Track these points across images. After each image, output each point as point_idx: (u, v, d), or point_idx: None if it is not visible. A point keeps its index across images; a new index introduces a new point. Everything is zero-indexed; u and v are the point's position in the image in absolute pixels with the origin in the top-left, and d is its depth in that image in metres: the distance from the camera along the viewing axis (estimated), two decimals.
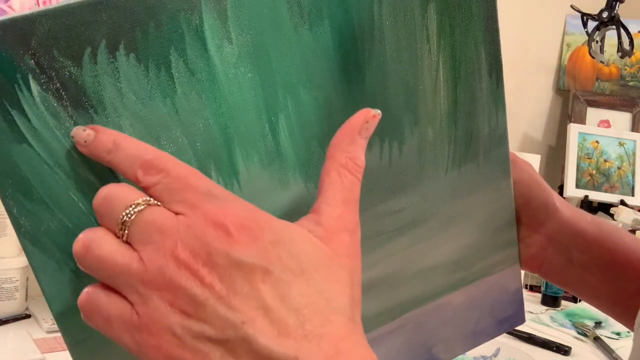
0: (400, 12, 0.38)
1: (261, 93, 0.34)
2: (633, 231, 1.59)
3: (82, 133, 0.30)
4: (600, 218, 0.50)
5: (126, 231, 0.28)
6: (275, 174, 0.36)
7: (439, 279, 0.46)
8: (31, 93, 0.29)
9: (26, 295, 1.14)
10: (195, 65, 0.32)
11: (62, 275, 0.31)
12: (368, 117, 0.34)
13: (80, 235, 0.29)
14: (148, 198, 0.29)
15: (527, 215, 0.49)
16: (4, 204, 0.30)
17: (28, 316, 1.11)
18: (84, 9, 0.29)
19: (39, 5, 1.23)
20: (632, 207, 1.71)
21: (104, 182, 0.30)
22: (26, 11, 0.28)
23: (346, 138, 0.33)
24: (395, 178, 0.41)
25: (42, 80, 0.29)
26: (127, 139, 0.30)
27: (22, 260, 1.12)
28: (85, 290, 0.29)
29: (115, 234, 0.29)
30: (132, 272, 0.27)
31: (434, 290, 0.46)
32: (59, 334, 1.06)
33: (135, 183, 0.29)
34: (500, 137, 0.45)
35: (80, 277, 0.31)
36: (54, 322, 1.18)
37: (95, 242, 0.28)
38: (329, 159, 0.33)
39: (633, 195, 1.83)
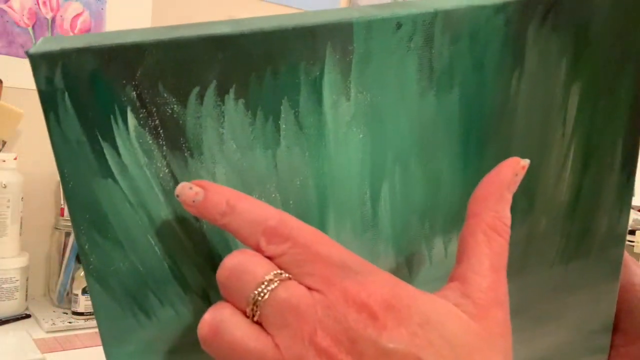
0: (540, 88, 0.34)
1: (369, 157, 0.31)
2: (633, 231, 1.59)
3: (189, 192, 0.27)
4: None
5: (258, 312, 0.25)
6: (367, 244, 0.32)
7: None
8: (127, 127, 0.27)
9: (26, 295, 1.14)
10: (306, 119, 0.30)
11: (123, 320, 0.29)
12: (517, 170, 0.29)
13: (206, 317, 0.26)
14: (280, 272, 0.26)
15: (627, 323, 0.43)
16: (77, 238, 0.28)
17: (28, 316, 1.11)
18: (200, 45, 0.27)
19: (38, 6, 1.23)
20: (631, 207, 1.71)
21: (187, 228, 0.29)
22: (134, 36, 0.26)
23: (493, 195, 0.29)
24: None
25: (141, 115, 0.27)
26: (243, 199, 0.27)
27: (22, 260, 1.12)
28: None
29: (244, 313, 0.26)
30: None
31: None
32: (59, 334, 1.06)
33: (257, 251, 0.26)
34: (618, 237, 0.39)
35: (142, 325, 0.30)
36: (54, 322, 1.18)
37: (225, 325, 0.25)
38: (474, 218, 0.29)
39: (633, 195, 1.83)
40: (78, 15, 1.27)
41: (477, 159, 0.33)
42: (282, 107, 0.29)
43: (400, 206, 0.33)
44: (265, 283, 0.25)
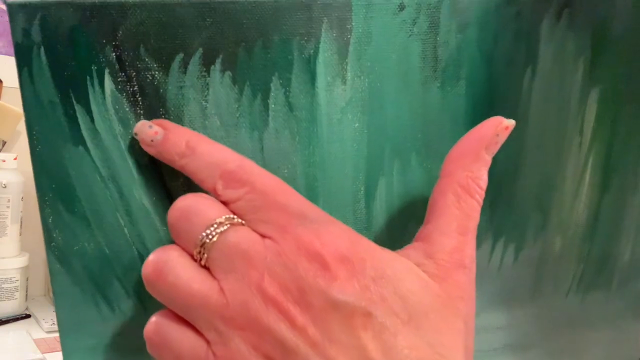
0: (554, 90, 0.31)
1: (365, 149, 0.29)
2: None
3: (148, 130, 0.25)
4: None
5: (205, 254, 0.24)
6: None
7: None
8: (103, 90, 0.25)
9: (26, 295, 1.14)
10: (297, 100, 0.27)
11: (84, 308, 0.27)
12: (499, 129, 0.27)
13: (152, 256, 0.24)
14: (232, 216, 0.24)
15: None
16: (41, 210, 0.26)
17: (28, 316, 1.11)
18: (187, 8, 0.25)
19: None
20: None
21: (160, 210, 0.27)
22: None
23: (470, 153, 0.27)
24: (503, 287, 0.33)
25: (119, 79, 0.25)
26: (203, 141, 0.26)
27: (22, 260, 1.12)
28: (154, 319, 0.25)
29: (192, 256, 0.25)
30: (211, 305, 0.24)
31: None
32: (58, 334, 1.06)
33: (214, 195, 0.25)
34: None
35: (104, 316, 0.28)
36: (54, 322, 1.17)
37: (170, 266, 0.24)
38: (446, 177, 0.27)
39: None
40: None
41: None
42: (272, 85, 0.27)
43: (397, 207, 0.30)
44: (215, 225, 0.24)
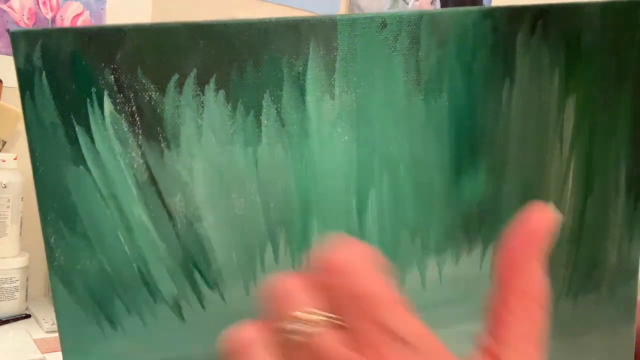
0: (534, 100, 0.33)
1: (355, 161, 0.30)
2: None
3: None
4: None
5: (287, 346, 0.23)
6: None
7: None
8: (102, 111, 0.27)
9: (26, 295, 1.14)
10: (288, 116, 0.29)
11: (87, 327, 0.28)
12: (550, 225, 0.25)
13: (236, 333, 0.24)
14: (325, 317, 0.23)
15: None
16: (43, 230, 0.27)
17: (28, 316, 1.11)
18: (181, 32, 0.27)
19: (38, 6, 1.23)
20: None
21: (159, 227, 0.28)
22: (117, 23, 0.26)
23: (528, 255, 0.25)
24: None
25: (118, 100, 0.27)
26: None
27: (22, 260, 1.12)
28: None
29: (271, 332, 0.24)
30: None
31: None
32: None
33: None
34: (628, 273, 0.36)
35: (107, 335, 0.28)
36: (54, 322, 1.17)
37: (250, 353, 0.23)
38: (506, 283, 0.25)
39: None
40: (78, 15, 1.27)
41: (471, 173, 0.32)
42: (263, 102, 0.28)
43: (388, 218, 0.31)
44: (305, 322, 0.23)
